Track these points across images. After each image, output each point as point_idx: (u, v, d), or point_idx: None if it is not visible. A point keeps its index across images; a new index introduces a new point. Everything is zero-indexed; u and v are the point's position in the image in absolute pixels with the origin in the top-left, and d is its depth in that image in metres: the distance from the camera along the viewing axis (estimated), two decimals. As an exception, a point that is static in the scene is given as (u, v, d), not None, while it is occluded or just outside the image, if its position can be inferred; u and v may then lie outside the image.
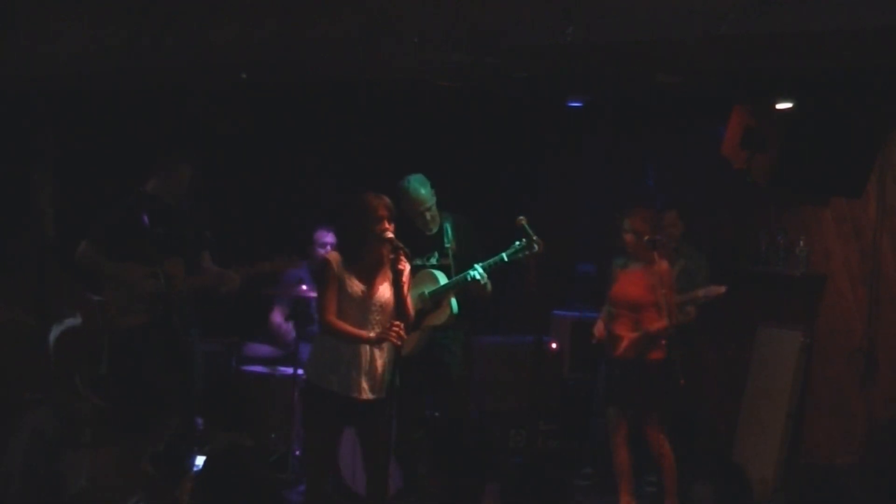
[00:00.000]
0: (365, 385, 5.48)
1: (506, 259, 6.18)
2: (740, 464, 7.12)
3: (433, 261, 6.44)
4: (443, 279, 6.35)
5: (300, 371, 6.92)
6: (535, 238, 6.09)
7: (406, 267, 5.50)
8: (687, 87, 6.60)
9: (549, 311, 8.17)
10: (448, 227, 6.47)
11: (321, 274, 5.59)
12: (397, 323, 5.37)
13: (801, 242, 7.38)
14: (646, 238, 6.44)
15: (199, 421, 7.22)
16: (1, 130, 6.80)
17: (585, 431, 7.64)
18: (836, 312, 7.30)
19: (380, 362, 5.51)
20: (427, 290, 6.34)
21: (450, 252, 6.42)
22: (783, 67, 5.48)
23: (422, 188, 6.41)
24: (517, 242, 6.14)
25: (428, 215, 6.42)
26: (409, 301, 5.62)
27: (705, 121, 7.52)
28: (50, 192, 5.56)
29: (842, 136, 6.13)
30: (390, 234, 5.46)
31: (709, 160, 7.13)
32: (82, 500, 4.52)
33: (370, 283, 5.53)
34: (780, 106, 6.16)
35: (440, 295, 6.35)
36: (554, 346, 8.04)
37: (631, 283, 6.38)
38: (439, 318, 6.38)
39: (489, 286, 6.34)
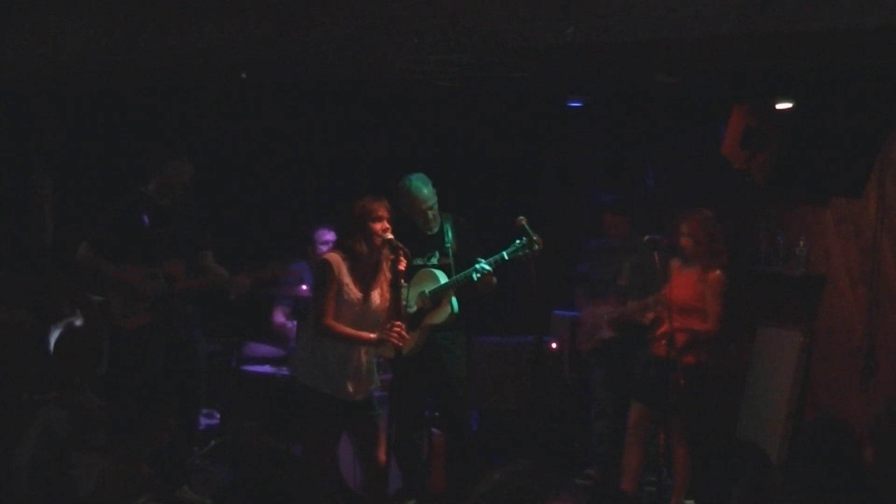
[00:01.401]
0: (353, 386, 5.52)
1: (506, 258, 6.18)
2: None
3: (433, 260, 6.44)
4: (443, 278, 6.36)
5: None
6: (535, 237, 6.10)
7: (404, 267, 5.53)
8: (687, 87, 6.60)
9: (549, 311, 8.17)
10: (448, 227, 6.47)
11: (320, 275, 5.59)
12: (398, 323, 5.39)
13: (801, 242, 7.38)
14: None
15: (202, 420, 7.24)
16: (1, 130, 6.80)
17: (586, 432, 7.64)
18: (836, 312, 7.29)
19: (366, 363, 5.56)
20: (427, 288, 6.35)
21: (450, 252, 6.41)
22: (783, 67, 5.48)
23: (424, 187, 6.41)
24: (517, 241, 6.14)
25: (430, 214, 6.41)
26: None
27: (705, 121, 7.52)
28: (50, 192, 5.56)
29: (842, 136, 6.13)
30: (390, 235, 5.48)
31: (709, 160, 7.13)
32: (91, 501, 4.52)
33: (368, 285, 5.55)
34: (780, 106, 6.16)
35: (440, 294, 6.35)
36: (554, 345, 8.04)
37: (683, 285, 6.36)
38: (439, 317, 6.38)
39: (494, 280, 6.36)
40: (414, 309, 6.26)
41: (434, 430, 6.87)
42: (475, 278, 6.23)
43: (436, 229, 6.47)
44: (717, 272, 6.35)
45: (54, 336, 5.24)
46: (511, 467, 3.37)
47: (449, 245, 6.44)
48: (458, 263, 6.35)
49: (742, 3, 3.97)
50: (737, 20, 3.98)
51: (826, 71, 5.57)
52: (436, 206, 6.43)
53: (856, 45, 4.22)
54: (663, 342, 6.32)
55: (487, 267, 6.19)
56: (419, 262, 6.31)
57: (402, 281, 5.51)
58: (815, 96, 6.00)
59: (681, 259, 6.45)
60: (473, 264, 6.25)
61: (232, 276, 6.44)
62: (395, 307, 5.53)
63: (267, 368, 7.33)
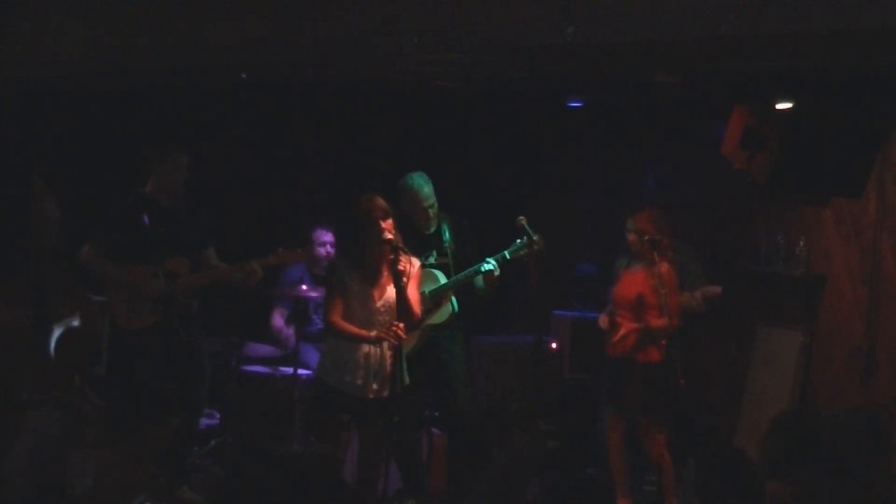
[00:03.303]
0: (374, 385, 5.54)
1: (507, 257, 6.19)
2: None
3: (431, 260, 6.45)
4: (442, 278, 6.37)
5: (300, 371, 6.94)
6: (535, 237, 6.11)
7: (407, 267, 5.54)
8: (687, 87, 6.60)
9: (549, 311, 8.17)
10: (446, 227, 6.49)
11: (327, 277, 5.75)
12: (396, 323, 5.42)
13: (801, 242, 7.38)
14: (646, 238, 6.44)
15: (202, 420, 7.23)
16: (1, 130, 6.80)
17: (589, 432, 7.64)
18: (836, 312, 7.29)
19: (389, 361, 5.58)
20: (427, 289, 6.35)
21: (448, 251, 6.42)
22: (783, 67, 5.49)
23: (425, 185, 6.43)
24: (518, 241, 6.15)
25: (430, 212, 6.43)
26: (415, 299, 5.65)
27: (705, 121, 7.52)
28: (50, 193, 5.55)
29: (842, 136, 6.12)
30: (389, 235, 5.49)
31: (709, 160, 7.12)
32: (87, 501, 4.52)
33: (374, 284, 5.60)
34: (780, 106, 6.15)
35: (441, 294, 6.36)
36: (554, 346, 8.04)
37: (633, 283, 6.37)
38: (440, 317, 6.39)
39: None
40: None
41: (434, 430, 6.87)
42: (480, 278, 6.24)
43: (433, 229, 6.48)
44: (666, 265, 6.34)
45: (54, 336, 5.24)
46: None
47: (447, 245, 6.45)
48: (456, 263, 6.36)
49: (742, 3, 3.97)
50: (737, 20, 3.98)
51: (826, 71, 5.57)
52: (436, 205, 6.44)
53: (856, 45, 4.22)
54: (622, 332, 6.31)
55: (491, 266, 6.20)
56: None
57: (404, 280, 5.53)
58: (815, 96, 6.00)
59: (626, 256, 6.45)
60: (472, 265, 6.25)
61: (242, 263, 6.41)
62: (400, 305, 5.56)
63: (267, 368, 7.33)
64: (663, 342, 6.28)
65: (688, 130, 7.99)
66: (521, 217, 6.18)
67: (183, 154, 6.38)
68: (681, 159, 8.14)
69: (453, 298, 6.38)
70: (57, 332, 5.24)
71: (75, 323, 5.30)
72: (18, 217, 5.51)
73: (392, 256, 5.53)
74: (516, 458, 6.26)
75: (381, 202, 5.57)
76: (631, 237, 6.39)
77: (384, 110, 7.99)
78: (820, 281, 7.35)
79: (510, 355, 7.82)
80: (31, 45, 6.35)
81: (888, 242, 6.99)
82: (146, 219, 6.18)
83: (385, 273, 5.60)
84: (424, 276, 6.38)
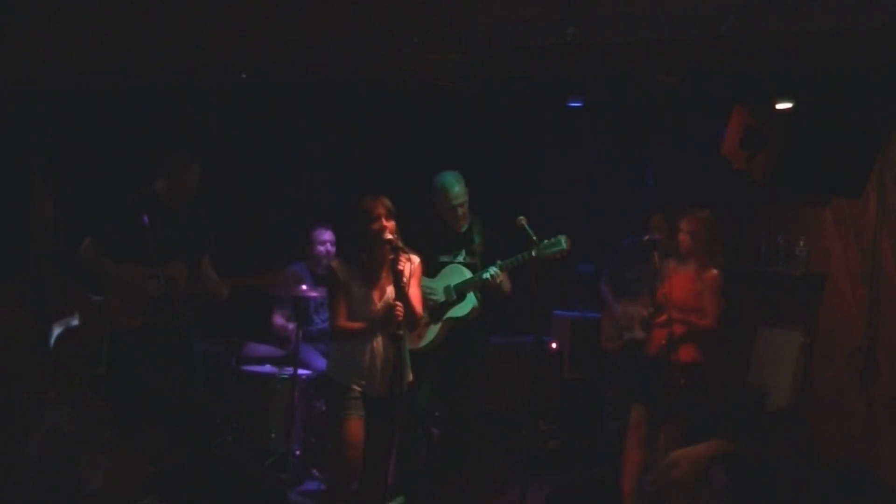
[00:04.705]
0: (382, 384, 5.54)
1: (534, 254, 6.17)
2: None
3: (460, 258, 6.48)
4: (469, 275, 6.41)
5: (300, 371, 6.94)
6: (534, 238, 6.12)
7: (406, 266, 5.54)
8: (687, 87, 6.60)
9: (549, 311, 8.17)
10: (476, 227, 6.51)
11: (328, 283, 5.73)
12: (397, 303, 5.44)
13: (801, 242, 7.38)
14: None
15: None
16: (1, 131, 6.80)
17: (590, 432, 7.64)
18: (836, 312, 7.29)
19: (395, 360, 5.58)
20: (453, 283, 6.39)
21: (477, 251, 6.45)
22: (783, 67, 5.49)
23: (455, 184, 6.45)
24: (546, 240, 6.16)
25: (460, 211, 6.46)
26: (417, 298, 5.64)
27: (705, 121, 7.52)
28: (49, 193, 5.55)
29: (842, 136, 6.12)
30: (389, 235, 5.49)
31: (709, 160, 7.12)
32: (97, 501, 4.52)
33: (375, 285, 5.59)
34: (780, 106, 6.15)
35: (464, 288, 6.39)
36: (554, 346, 8.04)
37: (681, 284, 6.35)
38: (461, 310, 6.42)
39: (506, 285, 6.36)
40: (441, 300, 6.30)
41: (434, 429, 6.87)
42: (484, 279, 6.28)
43: (465, 228, 6.50)
44: (715, 271, 6.36)
45: (54, 336, 5.24)
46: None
47: (476, 244, 6.48)
48: (484, 263, 6.40)
49: (742, 3, 3.97)
50: (737, 20, 3.98)
51: (826, 71, 5.57)
52: (466, 205, 6.46)
53: (856, 45, 4.22)
54: (659, 343, 6.31)
55: (489, 275, 6.23)
56: (446, 259, 6.37)
57: (403, 279, 5.53)
58: (815, 96, 6.00)
59: (676, 258, 6.44)
60: (495, 262, 6.31)
61: (217, 281, 6.45)
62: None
63: (267, 368, 7.33)
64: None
65: (688, 130, 7.99)
66: (521, 217, 6.18)
67: (197, 166, 6.37)
68: (681, 159, 8.14)
69: (476, 293, 6.41)
70: (57, 332, 5.24)
71: (75, 323, 5.30)
72: (18, 217, 5.51)
73: (392, 256, 5.53)
74: (490, 464, 6.31)
75: (384, 201, 5.58)
76: (682, 237, 6.39)
77: (384, 110, 7.99)
78: (820, 281, 7.35)
79: (510, 355, 7.83)
80: (31, 45, 6.34)
81: (888, 242, 6.99)
82: (146, 219, 6.17)
83: (385, 273, 5.61)
84: (452, 271, 6.43)
